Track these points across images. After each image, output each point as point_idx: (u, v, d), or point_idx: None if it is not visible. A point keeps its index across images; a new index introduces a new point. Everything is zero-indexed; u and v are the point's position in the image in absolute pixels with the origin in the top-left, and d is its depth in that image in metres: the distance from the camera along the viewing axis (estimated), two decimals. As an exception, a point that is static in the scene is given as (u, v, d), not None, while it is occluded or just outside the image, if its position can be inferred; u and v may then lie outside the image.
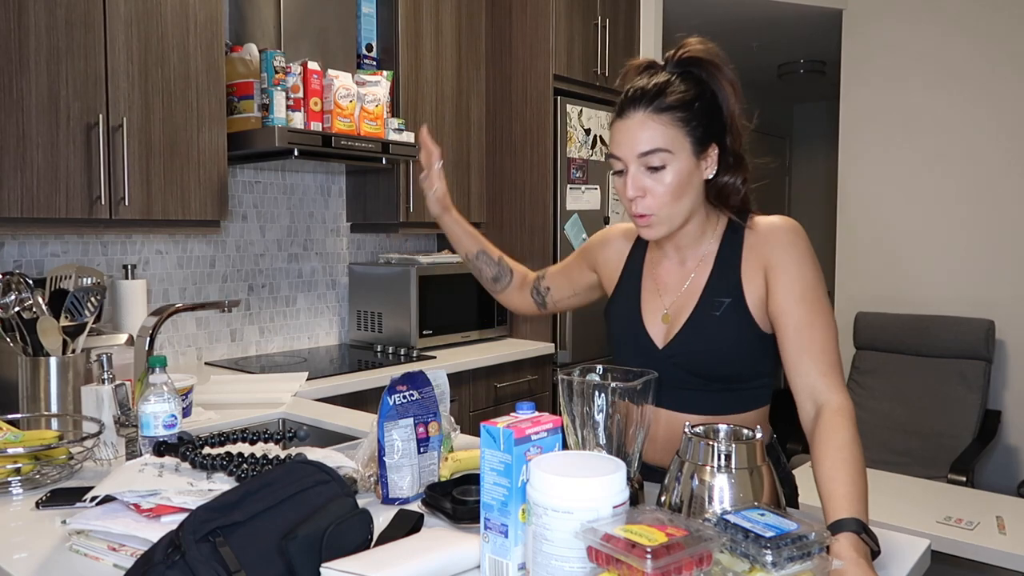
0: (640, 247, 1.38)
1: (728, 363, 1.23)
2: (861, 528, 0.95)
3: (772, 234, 1.23)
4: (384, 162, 2.70)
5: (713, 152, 1.20)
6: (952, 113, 3.62)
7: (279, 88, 2.35)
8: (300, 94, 2.39)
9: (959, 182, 3.62)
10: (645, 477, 1.20)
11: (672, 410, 1.25)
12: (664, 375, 1.22)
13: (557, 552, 0.81)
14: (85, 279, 1.57)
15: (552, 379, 3.11)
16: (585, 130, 3.18)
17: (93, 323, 1.61)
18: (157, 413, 1.27)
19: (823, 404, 1.11)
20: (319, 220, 3.00)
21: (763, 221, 1.25)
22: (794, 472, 1.37)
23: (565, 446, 1.05)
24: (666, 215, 1.19)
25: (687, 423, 1.05)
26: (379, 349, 2.90)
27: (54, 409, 1.52)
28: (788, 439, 3.05)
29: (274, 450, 1.32)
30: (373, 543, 0.97)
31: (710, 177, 1.22)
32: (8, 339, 1.54)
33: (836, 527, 0.95)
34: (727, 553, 0.82)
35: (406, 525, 1.05)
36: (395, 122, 2.69)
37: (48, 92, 1.92)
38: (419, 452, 1.22)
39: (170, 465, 1.16)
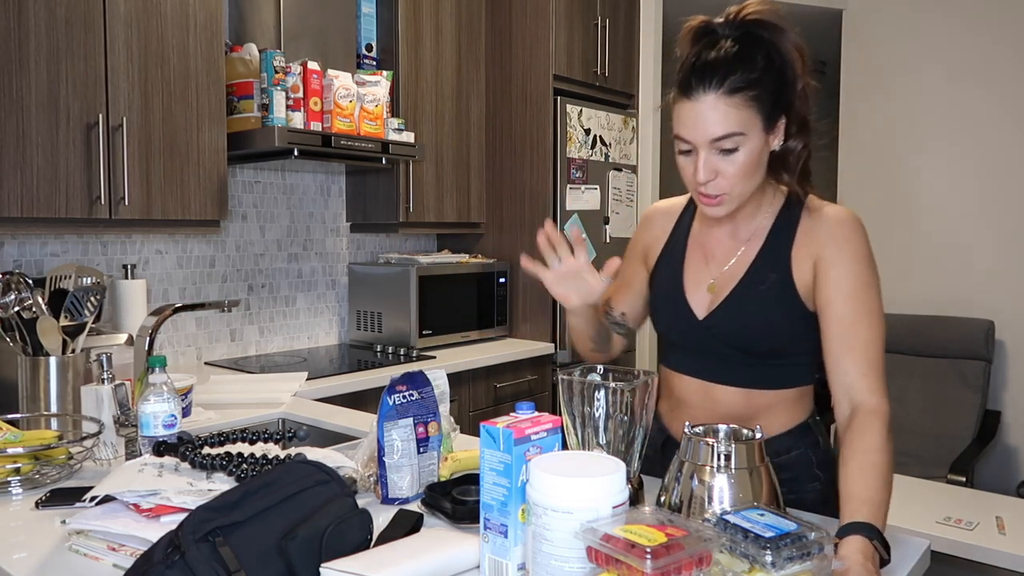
0: (687, 217, 1.34)
1: (768, 338, 1.20)
2: (874, 534, 0.93)
3: (829, 226, 1.18)
4: (384, 162, 2.70)
5: (781, 123, 1.15)
6: (952, 113, 3.62)
7: (279, 88, 2.35)
8: (300, 94, 2.39)
9: (959, 182, 3.61)
10: (674, 449, 1.16)
11: (710, 381, 1.24)
12: (704, 345, 1.21)
13: (557, 552, 0.81)
14: (85, 279, 1.57)
15: (552, 379, 3.11)
16: (585, 130, 3.18)
17: (93, 323, 1.60)
18: (157, 413, 1.27)
19: (859, 404, 1.09)
20: (319, 220, 3.00)
21: (824, 209, 1.20)
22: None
23: (565, 446, 1.05)
24: (737, 193, 1.15)
25: (687, 423, 1.05)
26: (379, 349, 2.90)
27: (54, 409, 1.52)
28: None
29: (274, 450, 1.32)
30: (373, 543, 0.97)
31: (777, 148, 1.16)
32: (8, 339, 1.54)
33: (849, 529, 0.94)
34: (727, 553, 0.82)
35: (406, 525, 1.05)
36: (395, 122, 2.69)
37: (48, 92, 1.92)
38: (419, 452, 1.22)
39: (170, 465, 1.15)
